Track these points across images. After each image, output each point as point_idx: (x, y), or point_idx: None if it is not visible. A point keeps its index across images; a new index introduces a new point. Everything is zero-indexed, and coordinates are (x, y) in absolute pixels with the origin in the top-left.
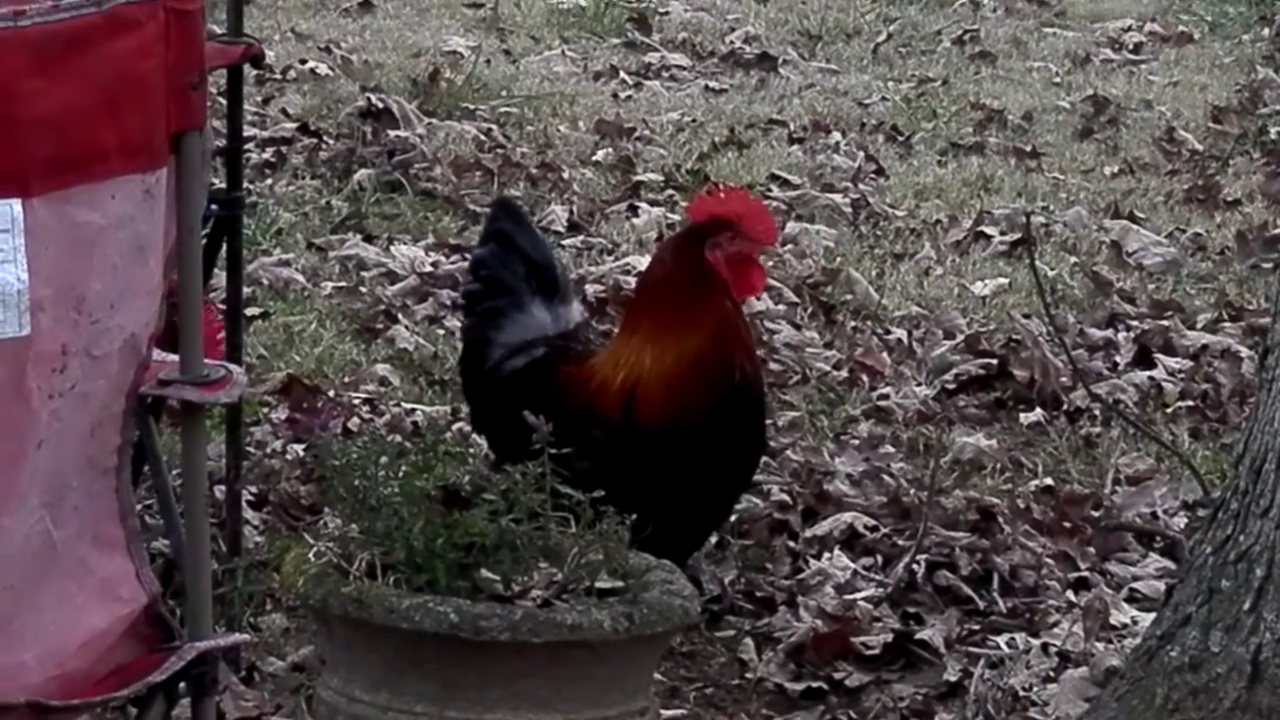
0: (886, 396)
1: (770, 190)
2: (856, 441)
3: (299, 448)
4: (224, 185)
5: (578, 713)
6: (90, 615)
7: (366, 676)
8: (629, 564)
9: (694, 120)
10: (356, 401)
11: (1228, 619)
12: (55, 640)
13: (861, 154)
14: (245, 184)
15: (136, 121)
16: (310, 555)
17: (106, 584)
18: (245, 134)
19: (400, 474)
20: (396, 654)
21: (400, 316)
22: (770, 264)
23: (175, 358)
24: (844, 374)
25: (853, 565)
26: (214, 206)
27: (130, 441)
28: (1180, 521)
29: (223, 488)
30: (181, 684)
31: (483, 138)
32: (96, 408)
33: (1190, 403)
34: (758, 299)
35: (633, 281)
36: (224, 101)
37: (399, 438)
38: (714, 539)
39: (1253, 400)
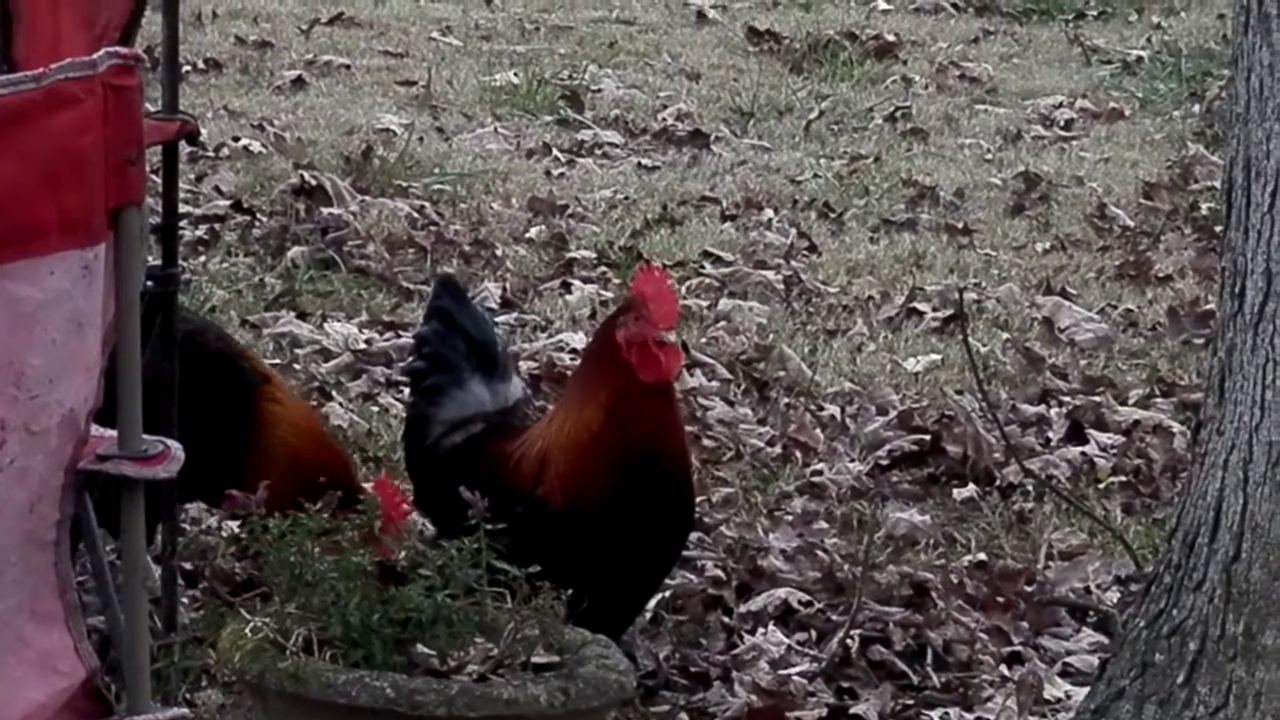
0: (820, 472)
1: (703, 267)
2: (790, 517)
3: (234, 524)
4: (159, 261)
5: None
6: (29, 689)
7: None
8: (565, 639)
9: (626, 198)
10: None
11: (1161, 693)
12: None
13: (794, 231)
14: (179, 261)
15: (76, 197)
16: (246, 631)
17: (45, 658)
18: (179, 211)
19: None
20: None
21: (334, 394)
22: (704, 341)
23: (113, 433)
24: (777, 450)
25: (787, 640)
26: (149, 283)
27: (69, 516)
28: (1113, 596)
29: (158, 566)
30: None
31: (416, 215)
32: (35, 483)
33: (1123, 478)
34: (674, 379)
35: (566, 358)
36: (158, 179)
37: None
38: (648, 615)
39: (1185, 475)
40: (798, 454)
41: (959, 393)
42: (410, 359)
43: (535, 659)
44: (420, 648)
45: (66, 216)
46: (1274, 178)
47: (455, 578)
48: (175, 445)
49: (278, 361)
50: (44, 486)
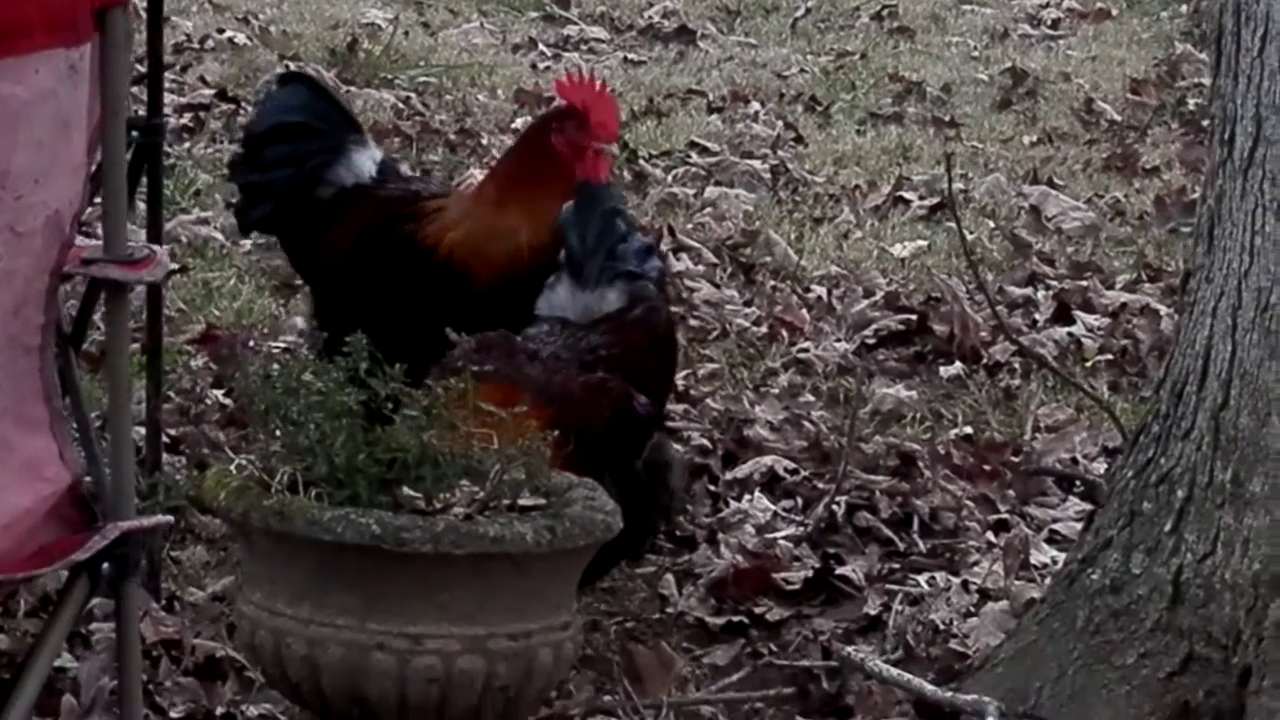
0: (806, 350)
1: (689, 157)
2: (776, 391)
3: (219, 393)
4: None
5: (500, 625)
6: (13, 495)
7: (288, 590)
8: (551, 482)
9: (613, 90)
10: (276, 350)
11: (1149, 541)
12: None
13: (780, 123)
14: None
15: None
16: (232, 469)
17: (30, 464)
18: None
19: (322, 388)
20: (319, 567)
21: None
22: (690, 227)
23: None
24: (764, 330)
25: (773, 507)
26: (134, 133)
27: (54, 321)
28: (1100, 467)
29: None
30: (105, 564)
31: (401, 106)
32: (20, 286)
33: (1109, 357)
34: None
35: None
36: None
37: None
38: None
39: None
40: (784, 333)
41: (946, 276)
42: None
43: (521, 501)
44: (406, 490)
45: (50, 14)
46: (1264, 21)
47: (441, 417)
48: (161, 250)
49: (262, 242)
50: (29, 290)
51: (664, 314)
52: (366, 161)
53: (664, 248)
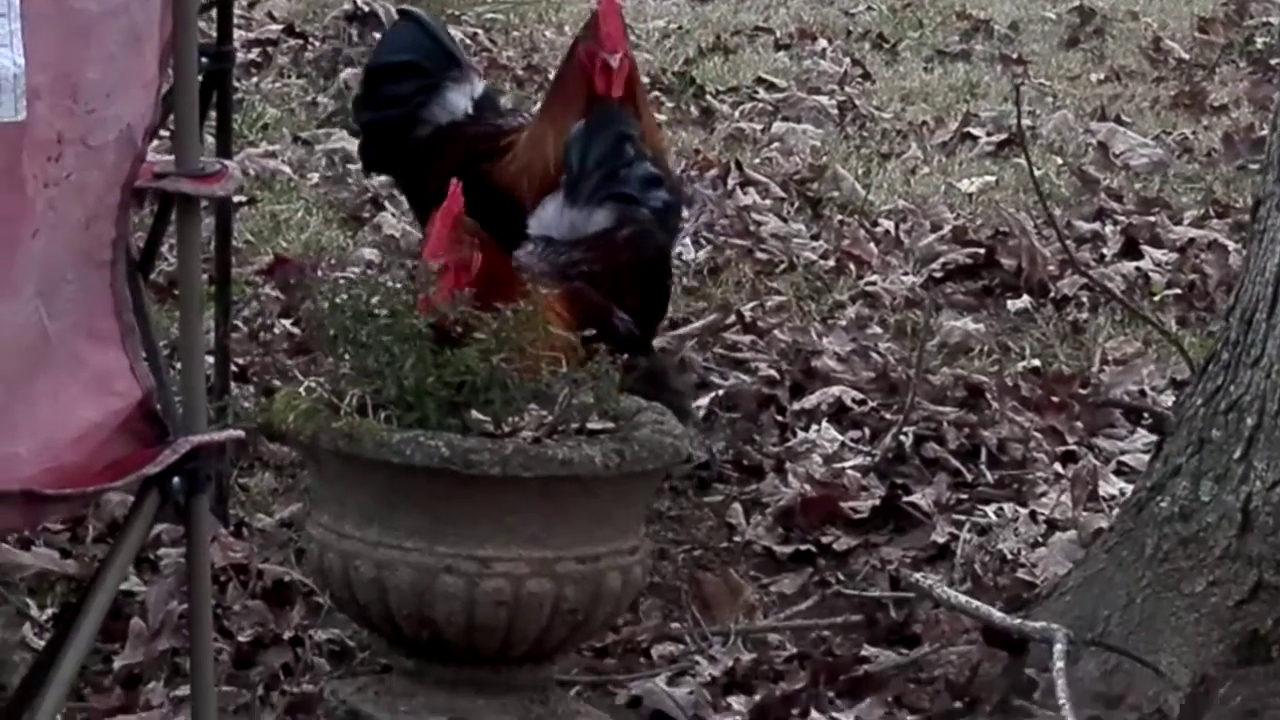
0: (874, 283)
1: (756, 93)
2: (844, 323)
3: (287, 322)
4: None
5: (568, 549)
6: (84, 409)
7: (357, 512)
8: (620, 406)
9: (680, 27)
10: (343, 282)
11: (1218, 468)
12: (49, 433)
13: (848, 60)
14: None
15: None
16: (301, 391)
17: (100, 378)
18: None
19: (391, 311)
20: (387, 488)
21: (387, 204)
22: (757, 162)
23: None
24: (831, 263)
25: (840, 437)
26: (204, 60)
27: (125, 236)
28: (1168, 399)
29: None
30: (175, 479)
31: (469, 41)
32: (92, 199)
33: (1177, 292)
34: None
35: None
36: None
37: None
38: (700, 411)
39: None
40: (851, 266)
41: (1014, 210)
42: None
43: (590, 425)
44: (474, 413)
45: None
46: None
47: (510, 341)
48: (232, 165)
49: (330, 175)
50: (100, 204)
51: (655, 240)
52: (461, 99)
53: (730, 182)
